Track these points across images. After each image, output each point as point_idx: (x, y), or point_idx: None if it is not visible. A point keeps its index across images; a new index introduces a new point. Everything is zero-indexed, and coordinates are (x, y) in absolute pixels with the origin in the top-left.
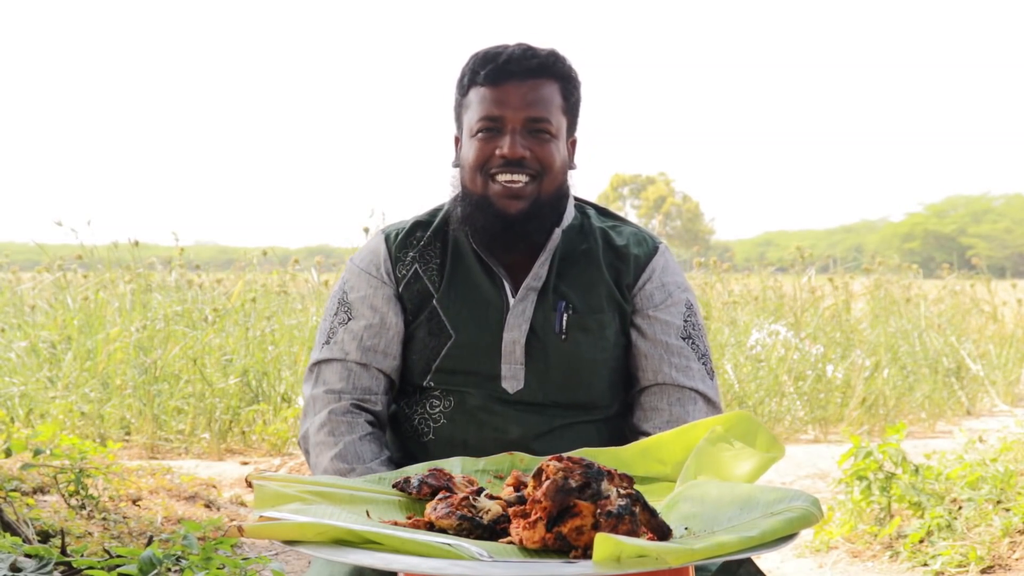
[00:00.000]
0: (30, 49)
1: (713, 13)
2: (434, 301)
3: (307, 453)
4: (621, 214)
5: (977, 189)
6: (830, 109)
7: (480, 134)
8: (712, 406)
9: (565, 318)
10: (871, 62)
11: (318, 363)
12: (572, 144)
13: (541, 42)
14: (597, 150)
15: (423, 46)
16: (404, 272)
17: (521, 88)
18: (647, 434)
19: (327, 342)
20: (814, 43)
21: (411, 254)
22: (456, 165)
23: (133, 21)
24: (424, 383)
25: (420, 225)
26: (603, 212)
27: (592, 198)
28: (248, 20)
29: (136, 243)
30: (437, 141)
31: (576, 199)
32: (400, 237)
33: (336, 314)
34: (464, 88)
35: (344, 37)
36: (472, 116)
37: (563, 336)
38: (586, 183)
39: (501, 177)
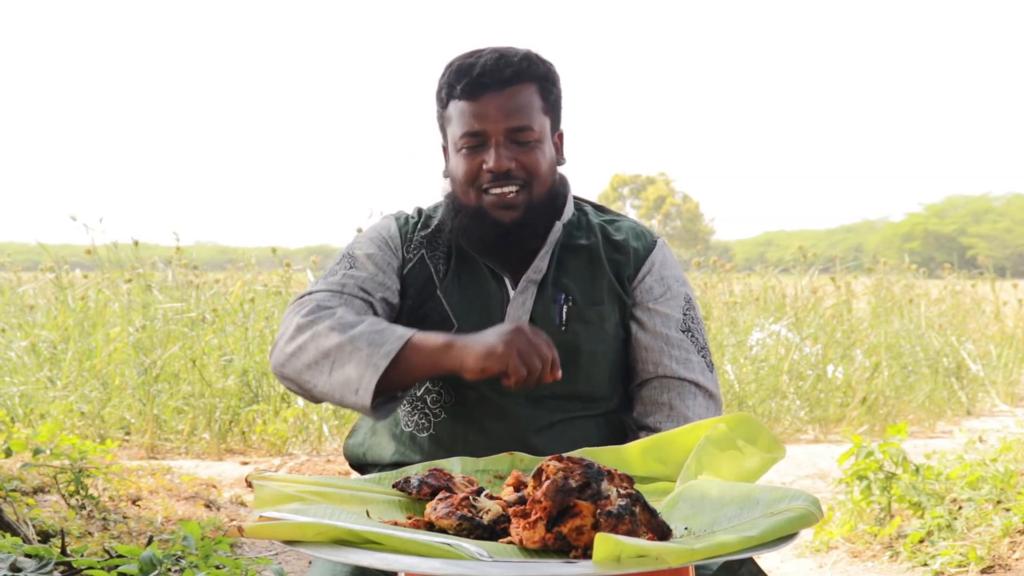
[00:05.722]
0: (30, 51)
1: (713, 13)
2: (438, 291)
3: (283, 364)
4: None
5: (977, 189)
6: (830, 109)
7: (464, 150)
8: (712, 399)
9: (565, 310)
10: (871, 62)
11: (309, 293)
12: (559, 138)
13: (539, 43)
14: (597, 150)
15: (422, 46)
16: (412, 256)
17: (499, 99)
18: (649, 428)
19: (324, 278)
20: (815, 43)
21: (419, 239)
22: (446, 175)
23: (132, 22)
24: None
25: (428, 215)
26: (599, 208)
27: (592, 198)
28: (248, 20)
29: (136, 243)
30: (435, 140)
31: (574, 197)
32: (411, 221)
33: (339, 262)
34: (443, 101)
35: (343, 37)
36: (455, 131)
37: (563, 328)
38: (586, 183)
39: (493, 190)
